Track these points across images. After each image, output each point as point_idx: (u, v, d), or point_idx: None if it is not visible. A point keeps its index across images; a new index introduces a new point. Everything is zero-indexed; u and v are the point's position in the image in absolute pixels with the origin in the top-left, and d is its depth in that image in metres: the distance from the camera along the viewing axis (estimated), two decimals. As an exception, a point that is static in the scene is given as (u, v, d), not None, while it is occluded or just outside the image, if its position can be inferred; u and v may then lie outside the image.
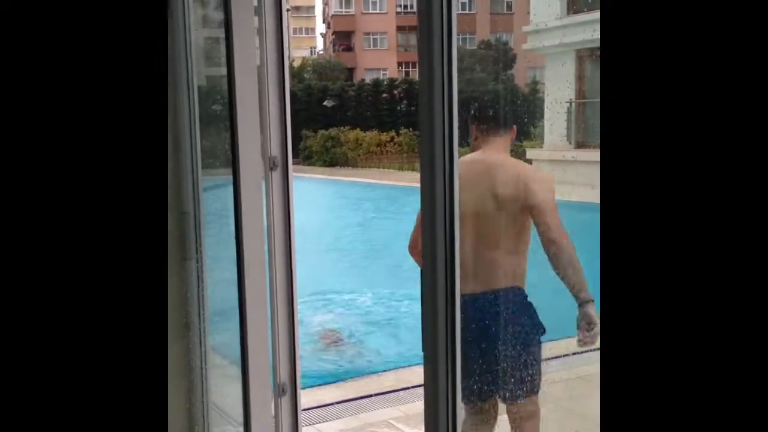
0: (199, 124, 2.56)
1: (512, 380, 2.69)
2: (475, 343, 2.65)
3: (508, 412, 2.79)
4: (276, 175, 2.22)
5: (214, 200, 2.78)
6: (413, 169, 25.50)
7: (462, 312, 2.10)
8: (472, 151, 2.88)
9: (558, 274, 2.61)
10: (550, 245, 2.61)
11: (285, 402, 2.27)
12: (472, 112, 2.89)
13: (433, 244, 1.55)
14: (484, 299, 2.67)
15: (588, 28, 14.42)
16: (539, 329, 2.75)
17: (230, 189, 2.81)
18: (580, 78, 16.47)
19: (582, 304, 2.57)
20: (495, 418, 2.80)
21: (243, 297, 2.15)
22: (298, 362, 2.27)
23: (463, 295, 1.85)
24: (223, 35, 2.16)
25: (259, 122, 2.17)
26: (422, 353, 1.64)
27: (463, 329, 1.99)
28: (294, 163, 2.32)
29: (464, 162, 2.80)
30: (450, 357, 1.60)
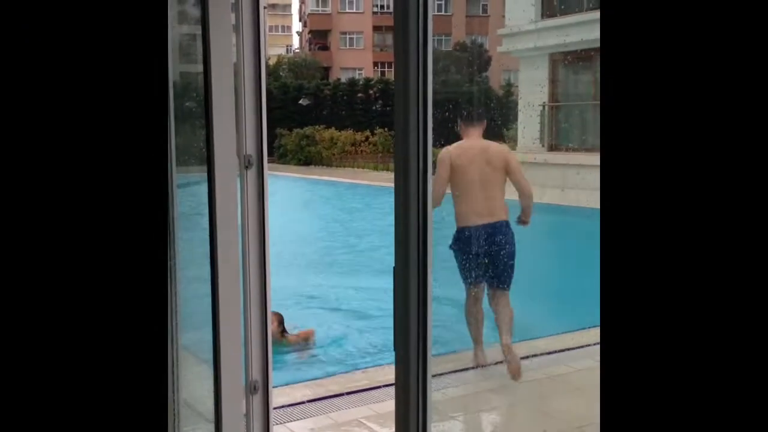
0: (174, 120, 2.55)
1: (501, 273, 4.67)
2: (488, 250, 4.61)
3: (493, 296, 4.71)
4: (251, 174, 2.22)
5: (185, 197, 2.77)
6: (388, 169, 25.52)
7: (480, 235, 4.53)
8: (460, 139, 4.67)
9: (521, 203, 4.65)
10: (521, 189, 4.64)
11: (257, 400, 2.27)
12: (463, 111, 4.76)
13: (406, 242, 1.57)
14: (491, 226, 4.56)
15: (561, 33, 14.54)
16: (515, 246, 4.64)
17: (203, 187, 2.80)
18: (553, 81, 16.63)
19: (523, 222, 4.71)
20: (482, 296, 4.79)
21: (216, 294, 2.15)
22: (270, 360, 2.28)
23: (478, 226, 4.53)
24: (199, 32, 2.15)
25: (235, 120, 2.17)
26: (394, 352, 1.66)
27: (482, 244, 4.51)
28: (268, 162, 2.32)
29: (461, 146, 4.62)
30: (422, 355, 1.62)
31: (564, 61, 15.68)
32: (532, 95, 16.71)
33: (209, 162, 2.15)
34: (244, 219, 2.22)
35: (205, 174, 3.00)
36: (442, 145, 4.81)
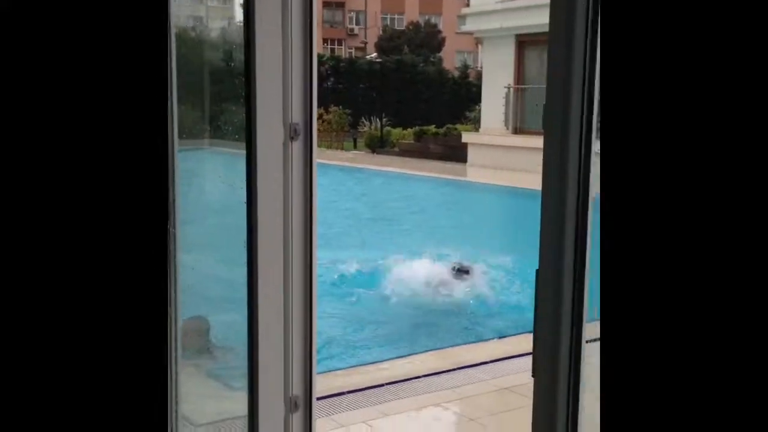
0: (176, 85, 2.15)
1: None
2: None
3: None
4: (297, 146, 1.84)
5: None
6: (342, 148, 25.08)
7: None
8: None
9: None
10: None
11: (297, 419, 1.90)
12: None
13: (561, 237, 1.22)
14: None
15: (529, 14, 14.28)
16: None
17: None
18: (518, 63, 16.41)
19: None
20: None
21: (254, 293, 1.77)
22: (314, 372, 1.90)
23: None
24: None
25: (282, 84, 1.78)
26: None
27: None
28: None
29: None
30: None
31: (531, 42, 15.46)
32: (496, 77, 16.45)
33: (248, 131, 1.75)
34: (287, 200, 1.83)
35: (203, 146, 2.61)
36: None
